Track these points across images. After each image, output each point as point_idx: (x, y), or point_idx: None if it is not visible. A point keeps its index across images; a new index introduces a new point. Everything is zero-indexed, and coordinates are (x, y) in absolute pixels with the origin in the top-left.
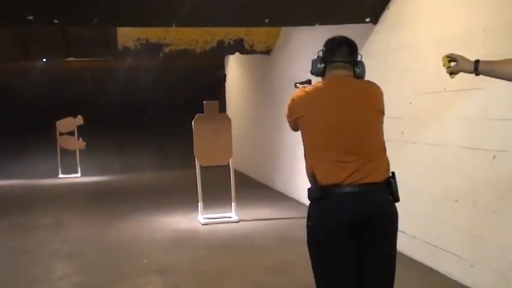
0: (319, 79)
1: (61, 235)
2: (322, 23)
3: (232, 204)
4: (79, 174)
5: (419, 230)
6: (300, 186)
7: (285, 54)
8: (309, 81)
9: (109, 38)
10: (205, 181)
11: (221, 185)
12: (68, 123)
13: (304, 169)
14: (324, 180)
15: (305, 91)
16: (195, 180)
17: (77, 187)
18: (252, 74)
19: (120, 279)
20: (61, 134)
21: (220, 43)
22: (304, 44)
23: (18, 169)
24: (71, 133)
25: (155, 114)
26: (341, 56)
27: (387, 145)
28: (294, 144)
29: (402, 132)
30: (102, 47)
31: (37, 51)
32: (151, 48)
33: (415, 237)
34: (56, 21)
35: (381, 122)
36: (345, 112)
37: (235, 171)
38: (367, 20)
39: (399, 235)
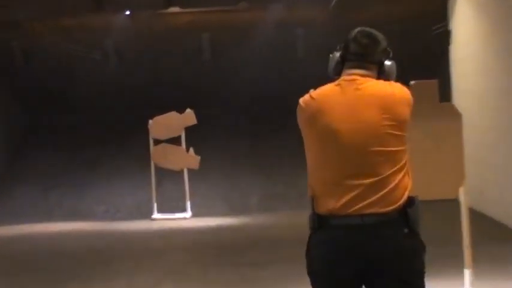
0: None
1: None
2: None
3: (466, 272)
4: (188, 214)
5: None
6: None
7: None
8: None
9: None
10: None
11: (442, 233)
12: (170, 123)
13: None
14: (320, 206)
15: (311, 96)
16: None
17: (185, 236)
18: (503, 28)
19: None
20: (157, 141)
21: None
22: None
23: (90, 203)
24: (175, 140)
25: None
26: (359, 52)
27: None
28: None
29: None
30: None
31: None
32: None
33: None
34: None
35: (398, 136)
36: (350, 124)
37: (471, 211)
38: None
39: None
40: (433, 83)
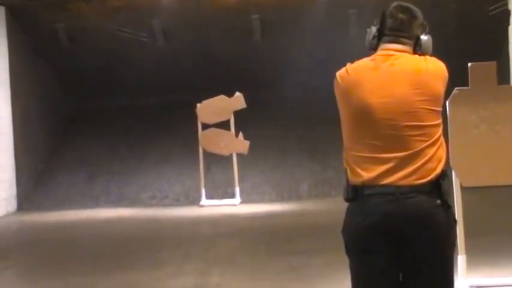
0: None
1: None
2: None
3: None
4: (237, 200)
5: None
6: None
7: None
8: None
9: None
10: (472, 214)
11: (501, 224)
12: (219, 107)
13: None
14: (354, 178)
15: (347, 70)
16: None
17: (234, 223)
18: None
19: None
20: (205, 126)
21: None
22: None
23: (137, 189)
24: (224, 124)
25: None
26: (395, 27)
27: None
28: None
29: None
30: None
31: None
32: None
33: None
34: None
35: (433, 110)
36: (381, 98)
37: None
38: None
39: None
40: (492, 64)
